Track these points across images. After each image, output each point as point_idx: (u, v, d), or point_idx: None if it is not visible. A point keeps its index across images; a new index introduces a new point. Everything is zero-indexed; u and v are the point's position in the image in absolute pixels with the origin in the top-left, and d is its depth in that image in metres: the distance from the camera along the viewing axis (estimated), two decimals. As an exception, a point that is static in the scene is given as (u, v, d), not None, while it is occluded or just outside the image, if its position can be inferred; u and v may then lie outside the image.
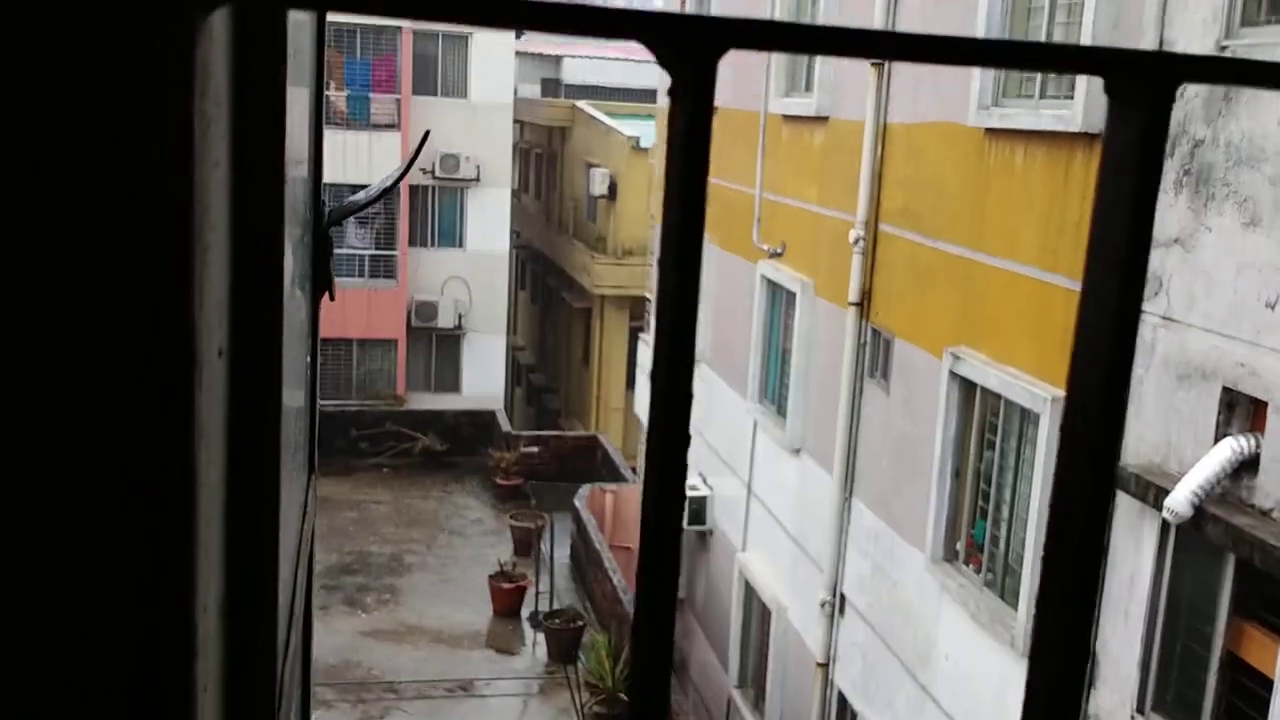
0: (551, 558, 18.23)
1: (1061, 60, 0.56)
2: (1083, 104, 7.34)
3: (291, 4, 0.45)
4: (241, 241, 0.65)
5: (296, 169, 1.53)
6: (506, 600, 17.47)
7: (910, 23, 9.86)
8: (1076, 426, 0.56)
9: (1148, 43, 6.79)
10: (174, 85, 0.46)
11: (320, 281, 1.61)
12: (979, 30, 8.55)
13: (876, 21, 10.15)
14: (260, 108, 0.65)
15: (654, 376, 0.57)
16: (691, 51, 0.50)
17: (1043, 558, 0.59)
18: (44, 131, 0.45)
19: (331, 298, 1.72)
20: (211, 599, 0.68)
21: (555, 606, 17.17)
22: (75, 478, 0.49)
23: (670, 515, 0.54)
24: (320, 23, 1.73)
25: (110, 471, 0.48)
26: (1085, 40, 7.37)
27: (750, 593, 13.24)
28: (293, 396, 1.40)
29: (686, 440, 0.55)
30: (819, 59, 11.51)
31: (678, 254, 0.53)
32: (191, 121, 0.46)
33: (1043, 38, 8.12)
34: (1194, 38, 6.47)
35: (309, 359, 1.64)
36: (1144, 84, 0.55)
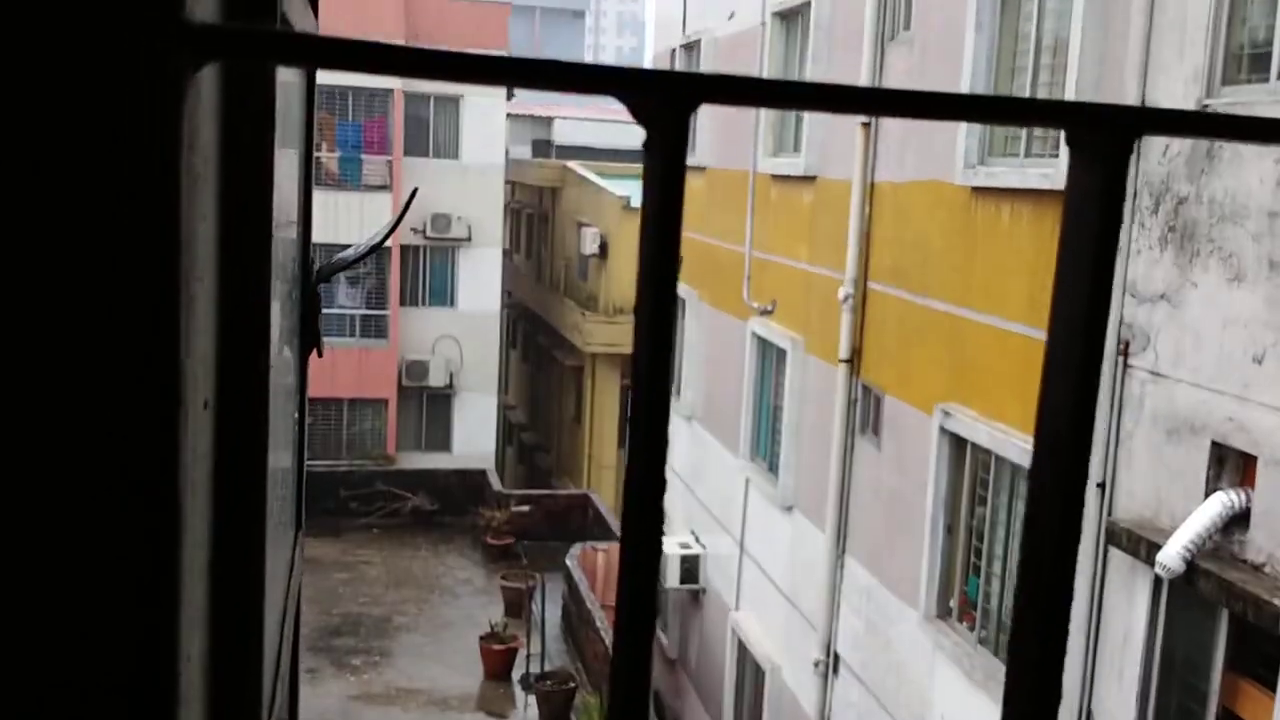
0: (543, 618, 18.06)
1: (1024, 113, 0.58)
2: (1067, 162, 7.42)
3: (276, 60, 0.46)
4: (229, 295, 0.66)
5: (286, 227, 1.55)
6: (497, 662, 17.28)
7: (896, 83, 10.01)
8: (1044, 473, 0.58)
9: (1130, 102, 6.90)
10: (162, 140, 0.47)
11: (308, 338, 1.62)
12: (963, 90, 8.68)
13: (863, 84, 10.29)
14: (248, 163, 0.66)
15: (632, 418, 0.58)
16: (664, 105, 0.51)
17: (1014, 603, 0.60)
18: (37, 179, 0.46)
19: (319, 354, 1.73)
20: (195, 649, 0.68)
21: (547, 668, 16.99)
22: (58, 524, 0.49)
23: (648, 556, 0.55)
24: (309, 82, 1.76)
25: (94, 516, 0.49)
26: (1068, 98, 7.47)
27: (743, 651, 13.13)
28: (279, 453, 1.40)
29: (663, 484, 0.55)
30: (806, 119, 11.66)
31: (654, 298, 0.54)
32: (179, 175, 0.48)
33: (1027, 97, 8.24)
34: (1175, 97, 6.58)
35: (296, 415, 1.64)
36: (1103, 135, 0.56)
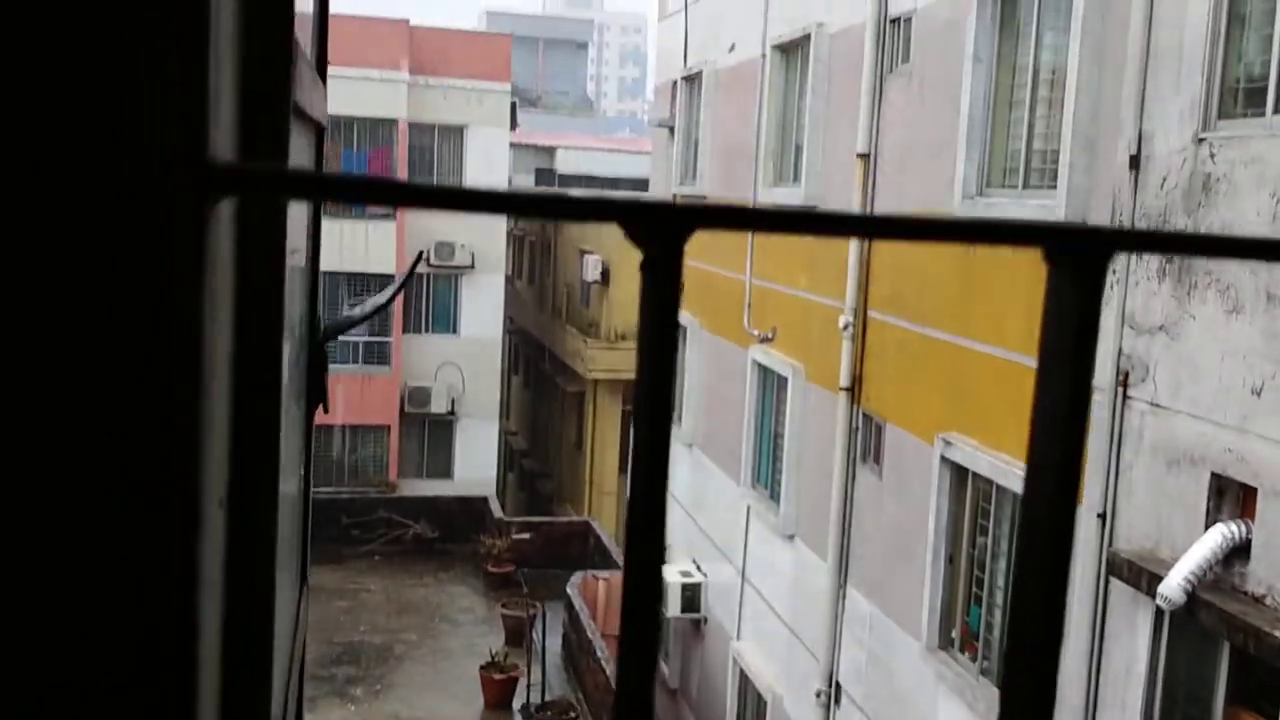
0: (543, 647, 18.01)
1: (1002, 235, 0.60)
2: (1065, 194, 7.48)
3: (291, 197, 0.49)
4: (241, 398, 0.69)
5: (294, 285, 1.58)
6: (498, 691, 17.22)
7: (895, 118, 10.08)
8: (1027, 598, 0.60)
9: (1127, 135, 6.95)
10: (184, 268, 0.50)
11: (315, 395, 1.65)
12: (961, 122, 8.74)
13: (862, 117, 10.37)
14: (261, 273, 0.69)
15: (630, 520, 0.61)
16: (661, 233, 0.54)
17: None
18: (74, 306, 0.49)
19: (326, 410, 1.76)
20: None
21: (547, 698, 16.92)
22: (77, 629, 0.52)
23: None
24: (318, 137, 1.79)
25: (109, 619, 0.51)
26: (1066, 131, 7.54)
27: (745, 682, 13.08)
28: (287, 515, 1.42)
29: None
30: (806, 148, 11.73)
31: (650, 411, 0.57)
32: (201, 300, 0.51)
33: (1024, 131, 8.30)
34: (1171, 130, 6.63)
35: (302, 471, 1.67)
36: (1080, 254, 0.59)
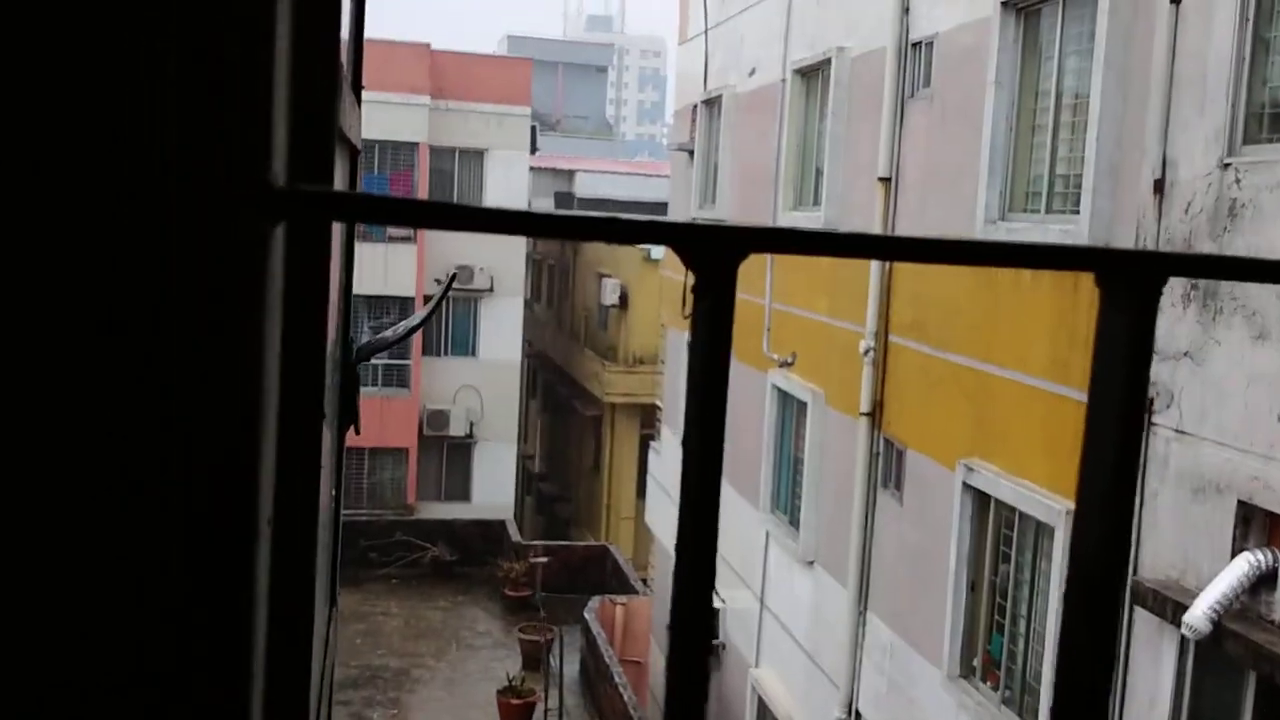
0: (561, 672, 17.94)
1: (1056, 258, 0.60)
2: (1088, 219, 7.46)
3: (345, 219, 0.49)
4: (288, 416, 0.70)
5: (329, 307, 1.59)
6: (515, 716, 17.16)
7: (916, 142, 10.08)
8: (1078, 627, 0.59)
9: (1151, 160, 6.93)
10: (247, 288, 0.51)
11: (347, 416, 1.65)
12: (983, 147, 8.73)
13: (883, 141, 10.37)
14: (308, 292, 0.70)
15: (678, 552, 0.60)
16: (714, 256, 0.54)
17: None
18: (143, 326, 0.50)
19: (358, 432, 1.76)
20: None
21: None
22: (132, 644, 0.52)
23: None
24: (353, 161, 1.81)
25: (164, 637, 0.51)
26: (1090, 155, 7.52)
27: (764, 709, 12.99)
28: (320, 545, 1.43)
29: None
30: (826, 172, 11.74)
31: (700, 440, 0.57)
32: (262, 321, 0.51)
33: (1046, 156, 8.28)
34: (1196, 156, 6.61)
35: (334, 492, 1.67)
36: (1133, 278, 0.59)
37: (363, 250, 25.01)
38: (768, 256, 13.13)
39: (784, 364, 12.57)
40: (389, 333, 2.37)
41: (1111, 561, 0.59)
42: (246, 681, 0.50)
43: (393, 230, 25.70)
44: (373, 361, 26.13)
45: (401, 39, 26.43)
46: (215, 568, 0.50)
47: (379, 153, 25.80)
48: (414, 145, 25.70)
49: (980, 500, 8.81)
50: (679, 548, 0.57)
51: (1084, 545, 0.61)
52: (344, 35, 1.72)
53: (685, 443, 0.60)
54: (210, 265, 0.47)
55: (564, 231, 0.52)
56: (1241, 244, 6.26)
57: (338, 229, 1.57)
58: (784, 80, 12.90)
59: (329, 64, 0.77)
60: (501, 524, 25.08)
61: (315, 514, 0.77)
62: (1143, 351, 0.58)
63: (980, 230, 8.76)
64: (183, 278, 0.48)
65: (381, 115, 24.91)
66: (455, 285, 26.28)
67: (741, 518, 13.95)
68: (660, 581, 17.92)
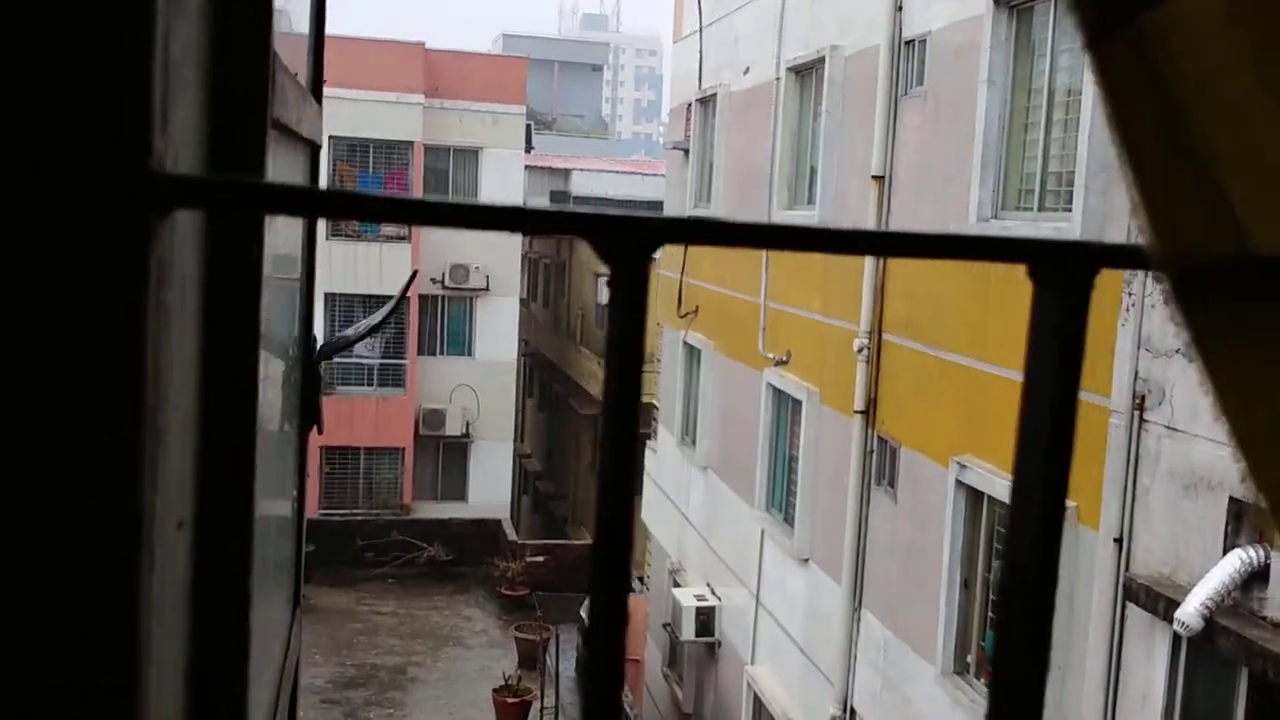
0: (557, 671, 17.94)
1: (986, 250, 0.59)
2: (1080, 216, 7.45)
3: (243, 209, 0.48)
4: (213, 415, 0.68)
5: (288, 304, 1.57)
6: (511, 715, 17.15)
7: (910, 140, 10.07)
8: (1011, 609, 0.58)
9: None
10: (125, 283, 0.48)
11: (309, 416, 1.64)
12: (976, 145, 8.72)
13: (877, 139, 10.36)
14: (235, 286, 0.68)
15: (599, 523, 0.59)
16: (625, 247, 0.53)
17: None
18: (5, 317, 0.48)
19: (320, 431, 1.74)
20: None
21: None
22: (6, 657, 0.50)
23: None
24: (314, 153, 1.79)
25: (48, 644, 0.50)
26: (1082, 153, 7.51)
27: (759, 706, 12.99)
28: (277, 536, 1.41)
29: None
30: (821, 170, 11.73)
31: (615, 428, 0.55)
32: (144, 315, 0.49)
33: (1039, 153, 8.27)
34: (1186, 152, 6.59)
35: (295, 493, 1.66)
36: (1065, 270, 0.57)
37: (358, 249, 25.09)
38: (763, 256, 13.12)
39: (779, 362, 12.56)
40: (350, 331, 2.36)
41: (1044, 553, 0.57)
42: (134, 684, 0.48)
43: (387, 230, 25.67)
44: (367, 361, 26.12)
45: (395, 38, 26.40)
46: (91, 572, 0.48)
47: (373, 152, 25.77)
48: (409, 144, 25.66)
49: (973, 497, 8.80)
50: (595, 546, 0.56)
51: (1018, 537, 0.59)
52: (300, 31, 1.70)
53: (602, 426, 0.59)
54: (79, 255, 0.45)
55: (465, 221, 0.51)
56: (1233, 240, 6.25)
57: (295, 226, 1.55)
58: (778, 79, 12.88)
59: (257, 55, 0.75)
60: (498, 523, 25.07)
61: (248, 514, 0.76)
62: (1074, 343, 0.57)
63: (973, 228, 8.74)
64: (50, 268, 0.46)
65: (375, 114, 24.88)
66: (451, 284, 26.27)
67: (737, 515, 13.94)
68: (656, 580, 17.91)
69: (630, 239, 0.52)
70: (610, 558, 0.53)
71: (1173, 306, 0.58)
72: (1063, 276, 0.57)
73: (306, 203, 0.49)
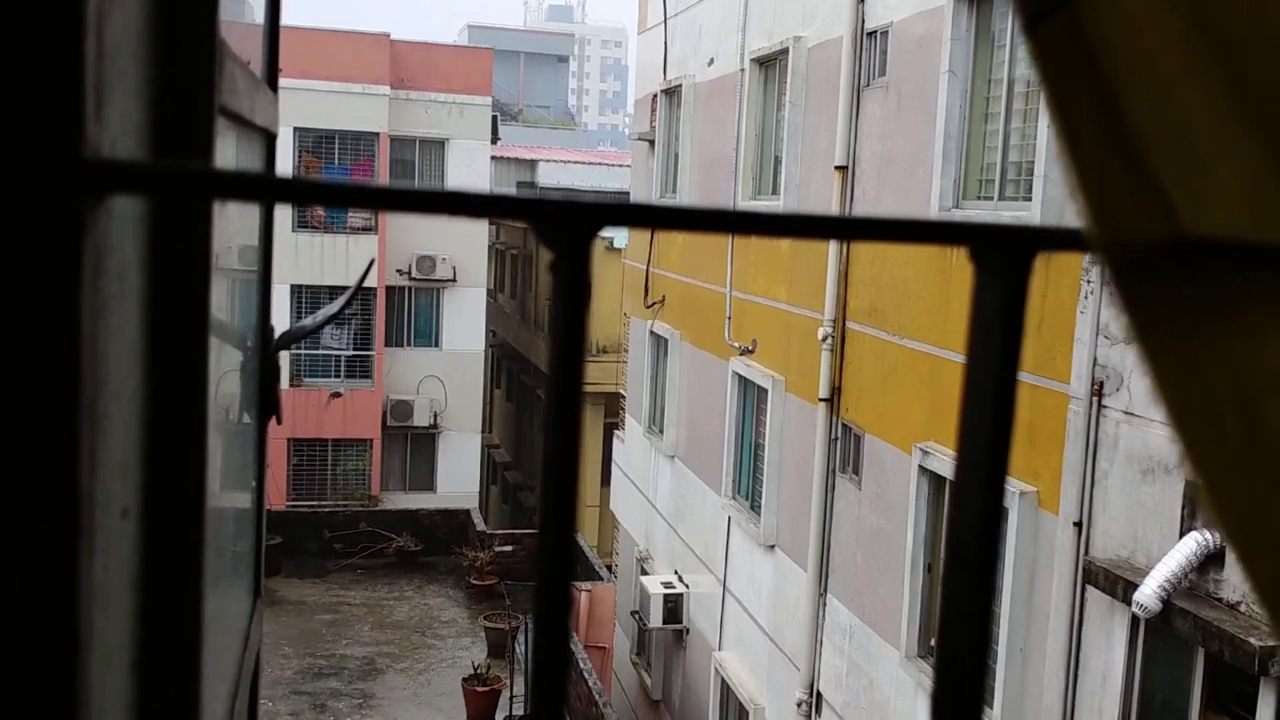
0: (526, 659, 17.93)
1: (930, 234, 0.59)
2: (1040, 204, 7.51)
3: (175, 194, 0.48)
4: (159, 401, 0.67)
5: (244, 294, 1.56)
6: (481, 704, 17.14)
7: (873, 130, 10.11)
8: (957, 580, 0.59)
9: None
10: (57, 270, 0.48)
11: (267, 406, 1.62)
12: (938, 135, 8.77)
13: (840, 130, 10.40)
14: (180, 271, 0.67)
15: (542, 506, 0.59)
16: (566, 231, 0.53)
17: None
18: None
19: (279, 421, 1.74)
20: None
21: (530, 710, 16.83)
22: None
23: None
24: (269, 148, 1.78)
25: None
26: (1041, 143, 7.57)
27: (727, 692, 13.06)
28: (238, 525, 1.40)
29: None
30: (785, 160, 11.76)
31: (558, 415, 0.55)
32: (79, 301, 0.49)
33: (999, 143, 8.33)
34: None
35: (255, 483, 1.65)
36: (1005, 252, 0.58)
37: (324, 241, 24.93)
38: (728, 246, 13.14)
39: (744, 351, 12.60)
40: (308, 320, 2.35)
41: (985, 533, 0.58)
42: (72, 670, 0.48)
43: (354, 221, 25.52)
44: (335, 353, 25.95)
45: (361, 29, 26.19)
46: (27, 556, 0.48)
47: (339, 143, 25.58)
48: (374, 135, 25.50)
49: (936, 483, 8.87)
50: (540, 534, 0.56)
51: (960, 516, 0.60)
52: (255, 20, 1.68)
53: (545, 414, 0.59)
54: (9, 240, 0.45)
55: (414, 206, 0.51)
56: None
57: (252, 215, 1.54)
58: (742, 70, 12.90)
59: (202, 41, 0.75)
60: (466, 513, 25.02)
61: (199, 504, 0.75)
62: (1015, 324, 0.58)
63: (935, 217, 8.80)
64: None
65: (341, 105, 24.69)
66: (418, 275, 26.14)
67: (704, 503, 13.99)
68: (624, 568, 17.94)
69: (569, 222, 0.52)
70: (557, 541, 0.53)
71: (1111, 289, 0.58)
72: (1002, 259, 0.58)
73: (240, 187, 0.49)
